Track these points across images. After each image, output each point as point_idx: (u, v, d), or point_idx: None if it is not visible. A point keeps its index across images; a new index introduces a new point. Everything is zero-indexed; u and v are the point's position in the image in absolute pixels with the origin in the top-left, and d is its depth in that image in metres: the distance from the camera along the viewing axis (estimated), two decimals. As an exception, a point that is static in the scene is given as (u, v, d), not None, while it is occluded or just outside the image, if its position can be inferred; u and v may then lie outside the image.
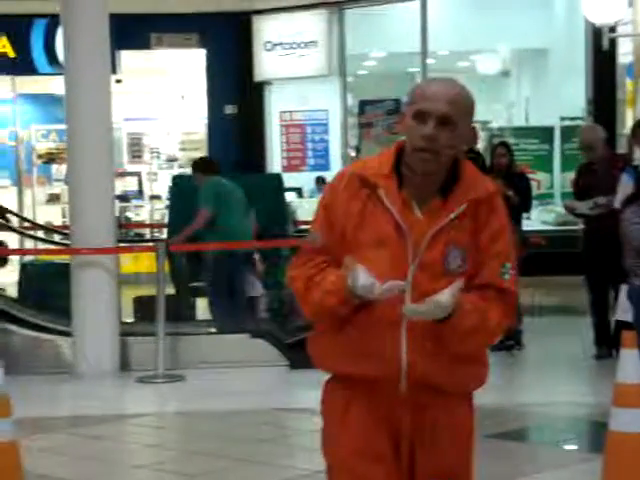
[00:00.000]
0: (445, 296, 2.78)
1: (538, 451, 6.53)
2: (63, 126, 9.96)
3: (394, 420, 2.95)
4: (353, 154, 14.65)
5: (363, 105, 14.63)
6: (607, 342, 8.60)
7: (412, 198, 2.91)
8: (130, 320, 9.99)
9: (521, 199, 9.84)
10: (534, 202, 10.96)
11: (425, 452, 2.96)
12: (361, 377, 2.93)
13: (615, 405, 5.28)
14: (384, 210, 2.90)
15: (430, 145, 2.86)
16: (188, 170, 15.57)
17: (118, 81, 14.12)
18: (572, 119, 14.44)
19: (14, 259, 13.05)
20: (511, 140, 12.77)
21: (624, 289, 7.72)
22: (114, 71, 11.69)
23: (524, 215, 10.32)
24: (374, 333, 2.89)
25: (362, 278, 2.80)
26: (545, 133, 14.47)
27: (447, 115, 2.88)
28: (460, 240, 2.90)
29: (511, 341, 9.70)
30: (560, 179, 14.15)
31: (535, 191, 11.79)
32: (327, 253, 2.97)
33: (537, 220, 13.68)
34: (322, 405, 3.07)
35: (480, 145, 11.54)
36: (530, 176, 11.37)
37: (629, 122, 12.04)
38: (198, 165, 10.06)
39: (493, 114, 15.35)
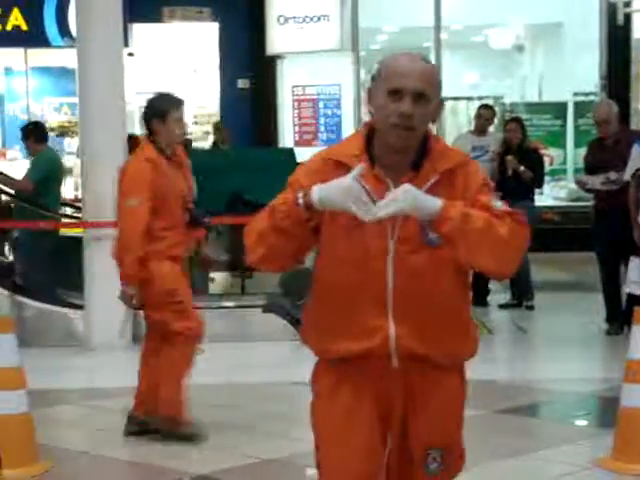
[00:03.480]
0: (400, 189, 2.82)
1: (549, 427, 6.54)
2: (75, 99, 9.94)
3: (385, 394, 2.99)
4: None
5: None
6: (619, 318, 8.60)
7: (385, 176, 2.93)
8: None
9: (533, 175, 9.83)
10: (547, 178, 10.97)
11: (417, 423, 3.02)
12: (349, 356, 2.96)
13: (626, 381, 5.29)
14: None
15: (406, 122, 2.88)
16: (201, 144, 15.61)
17: (130, 54, 14.11)
18: (586, 94, 14.39)
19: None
20: (524, 116, 12.73)
21: (634, 261, 7.71)
22: (126, 44, 11.69)
23: (537, 191, 10.31)
24: (359, 310, 2.92)
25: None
26: (558, 108, 14.43)
27: (422, 92, 2.89)
28: None
29: (529, 302, 9.88)
30: (573, 155, 14.11)
31: (548, 167, 11.78)
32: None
33: (550, 196, 13.66)
34: (312, 382, 3.10)
35: (495, 121, 11.49)
36: (543, 152, 11.35)
37: (643, 98, 11.98)
38: (31, 132, 9.84)
39: (506, 89, 15.30)
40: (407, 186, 2.82)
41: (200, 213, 6.04)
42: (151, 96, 6.22)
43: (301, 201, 2.84)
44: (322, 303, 3.00)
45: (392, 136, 2.90)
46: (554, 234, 12.32)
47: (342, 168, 2.91)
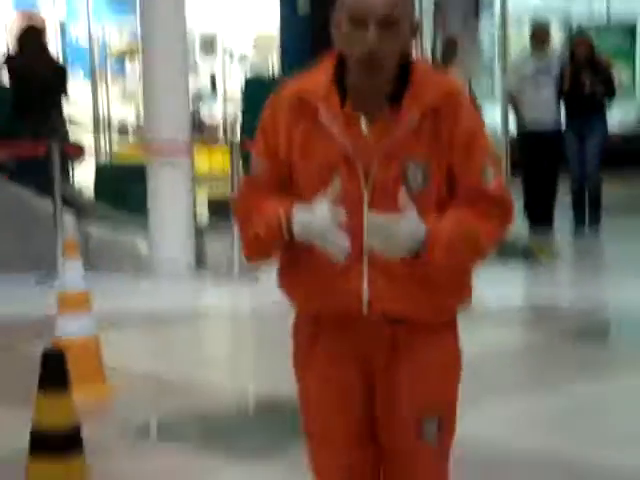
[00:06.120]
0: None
1: (619, 350, 6.46)
2: (137, 22, 9.89)
3: (367, 356, 2.68)
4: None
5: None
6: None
7: (359, 114, 2.56)
8: (205, 220, 10.02)
9: (605, 87, 9.67)
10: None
11: (404, 388, 2.67)
12: (326, 314, 2.66)
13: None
14: (328, 133, 2.56)
15: (373, 57, 2.49)
16: (260, 70, 15.52)
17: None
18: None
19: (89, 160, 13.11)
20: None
21: None
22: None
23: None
24: (333, 268, 2.56)
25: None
26: (626, 30, 14.11)
27: (389, 16, 2.49)
28: (419, 154, 2.55)
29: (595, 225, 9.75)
30: (642, 75, 13.82)
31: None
32: (271, 182, 2.65)
33: (617, 116, 13.38)
34: (293, 335, 2.80)
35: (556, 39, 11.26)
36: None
37: None
38: None
39: (573, 11, 14.98)
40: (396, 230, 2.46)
41: None
42: None
43: (285, 232, 2.56)
44: (297, 254, 2.64)
45: (358, 71, 2.53)
46: (622, 156, 12.10)
47: (310, 109, 2.57)
